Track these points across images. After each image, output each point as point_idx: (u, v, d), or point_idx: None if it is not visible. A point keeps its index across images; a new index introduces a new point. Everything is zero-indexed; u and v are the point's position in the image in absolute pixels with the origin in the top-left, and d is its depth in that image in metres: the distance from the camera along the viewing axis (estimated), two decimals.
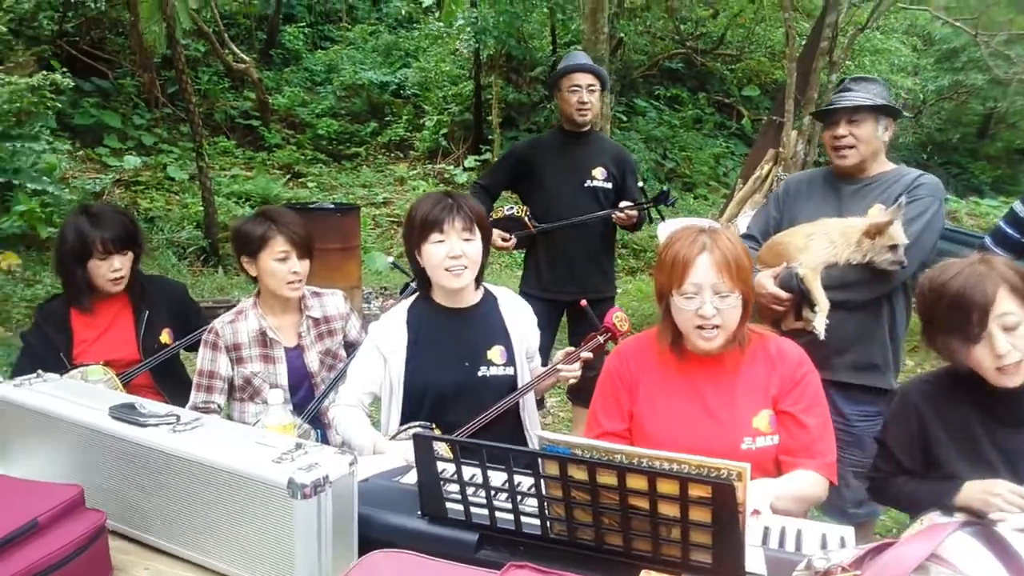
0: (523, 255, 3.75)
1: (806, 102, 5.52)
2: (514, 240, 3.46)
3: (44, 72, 7.70)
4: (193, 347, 2.55)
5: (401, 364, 2.10)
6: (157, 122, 10.39)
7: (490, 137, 11.20)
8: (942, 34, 12.77)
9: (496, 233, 3.42)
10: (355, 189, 10.34)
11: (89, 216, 2.43)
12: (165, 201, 8.88)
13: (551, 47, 11.96)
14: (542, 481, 1.27)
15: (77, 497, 1.37)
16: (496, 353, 2.13)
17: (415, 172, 11.14)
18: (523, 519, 1.32)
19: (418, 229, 2.06)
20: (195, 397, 2.31)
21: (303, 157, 10.93)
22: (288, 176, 10.31)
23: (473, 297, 2.18)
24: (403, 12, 13.67)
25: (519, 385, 2.15)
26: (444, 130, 11.66)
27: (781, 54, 12.51)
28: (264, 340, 2.34)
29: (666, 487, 1.17)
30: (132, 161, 9.31)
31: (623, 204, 3.43)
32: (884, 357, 2.47)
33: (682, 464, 1.17)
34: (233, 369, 2.32)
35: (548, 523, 1.31)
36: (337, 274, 5.55)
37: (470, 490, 1.36)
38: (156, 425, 1.45)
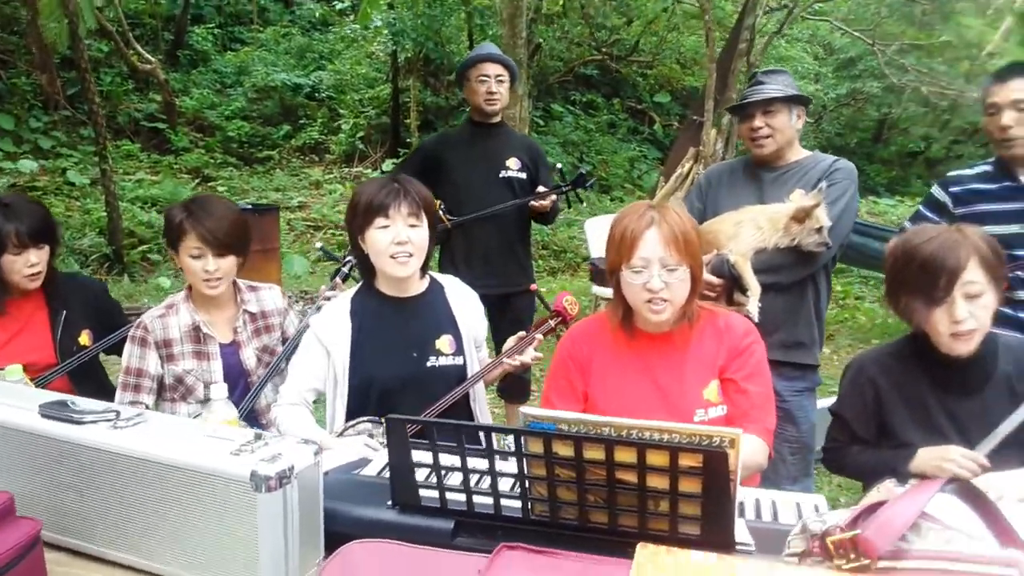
0: (438, 252, 3.67)
1: (725, 102, 5.67)
2: None
3: None
4: (114, 349, 2.38)
5: (345, 357, 2.01)
6: (55, 125, 9.82)
7: (408, 140, 11.08)
8: (841, 44, 13.40)
9: None
10: (268, 193, 10.02)
11: (2, 207, 2.22)
12: (65, 207, 8.39)
13: (469, 51, 11.93)
14: (524, 460, 1.21)
15: (6, 505, 1.23)
16: (444, 343, 2.07)
17: (331, 176, 10.91)
18: (502, 502, 1.27)
19: (362, 214, 1.97)
20: (120, 397, 2.14)
21: (212, 160, 10.53)
22: (197, 180, 9.91)
23: (419, 286, 2.11)
24: (316, 15, 13.39)
25: (468, 375, 2.09)
26: (361, 133, 11.47)
27: (692, 61, 12.90)
28: (197, 335, 2.19)
29: (656, 458, 1.14)
30: (28, 165, 8.76)
31: (540, 189, 3.39)
32: (810, 335, 2.55)
33: (673, 433, 1.14)
34: (163, 367, 2.16)
35: (529, 504, 1.26)
36: (256, 276, 5.23)
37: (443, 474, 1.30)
38: (94, 422, 1.33)
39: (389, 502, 1.34)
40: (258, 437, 1.26)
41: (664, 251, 1.73)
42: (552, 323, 2.13)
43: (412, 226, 1.97)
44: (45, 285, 2.32)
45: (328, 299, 2.23)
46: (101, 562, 1.33)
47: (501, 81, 3.37)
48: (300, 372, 2.02)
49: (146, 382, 2.13)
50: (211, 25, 12.69)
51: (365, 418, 1.94)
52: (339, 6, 13.19)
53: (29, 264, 2.23)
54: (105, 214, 7.83)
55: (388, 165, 10.85)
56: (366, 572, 1.07)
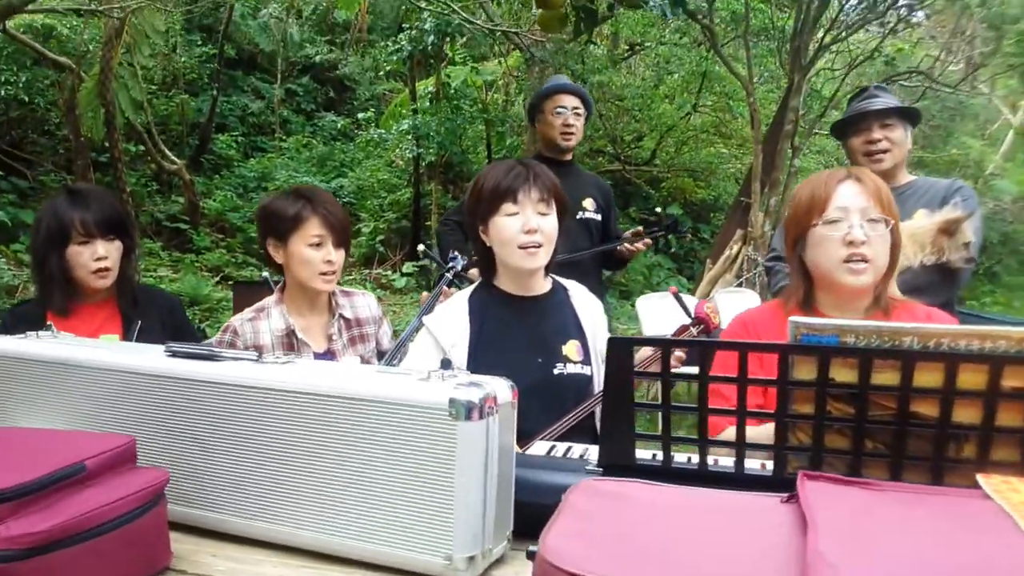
0: None
1: (772, 183, 5.62)
2: None
3: None
4: None
5: (463, 359, 1.77)
6: None
7: (429, 243, 11.07)
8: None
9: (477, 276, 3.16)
10: None
11: (70, 195, 2.03)
12: None
13: (487, 159, 12.17)
14: (787, 392, 0.97)
15: (129, 447, 0.98)
16: (572, 349, 1.83)
17: (351, 277, 10.84)
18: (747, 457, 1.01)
19: (487, 199, 1.78)
20: None
21: (233, 260, 10.49)
22: (218, 278, 9.82)
23: (544, 284, 1.89)
24: (338, 126, 13.76)
25: (595, 389, 1.84)
26: (381, 236, 11.50)
27: (706, 172, 13.13)
28: (290, 342, 1.96)
29: (970, 377, 0.91)
30: None
31: (628, 233, 3.19)
32: None
33: (997, 340, 0.91)
34: None
35: (783, 459, 1.00)
36: None
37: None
38: (235, 359, 1.09)
39: (590, 466, 1.08)
40: (445, 363, 1.02)
41: (866, 202, 1.54)
42: (694, 331, 1.89)
43: (542, 214, 1.78)
44: (120, 293, 2.09)
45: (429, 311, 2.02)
46: (222, 539, 1.06)
47: (578, 114, 3.18)
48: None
49: None
50: (235, 133, 12.99)
51: None
52: (361, 116, 13.56)
53: (96, 256, 2.00)
54: None
55: (408, 267, 10.82)
56: (633, 511, 0.81)
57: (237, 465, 1.04)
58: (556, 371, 1.79)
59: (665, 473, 1.03)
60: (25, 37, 8.37)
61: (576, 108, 3.18)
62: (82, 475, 0.89)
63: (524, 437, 1.69)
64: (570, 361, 1.81)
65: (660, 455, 1.04)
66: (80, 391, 1.13)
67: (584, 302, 1.93)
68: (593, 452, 1.30)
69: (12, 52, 8.99)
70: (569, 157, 3.24)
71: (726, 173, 13.43)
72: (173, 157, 10.70)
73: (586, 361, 1.84)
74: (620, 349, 1.01)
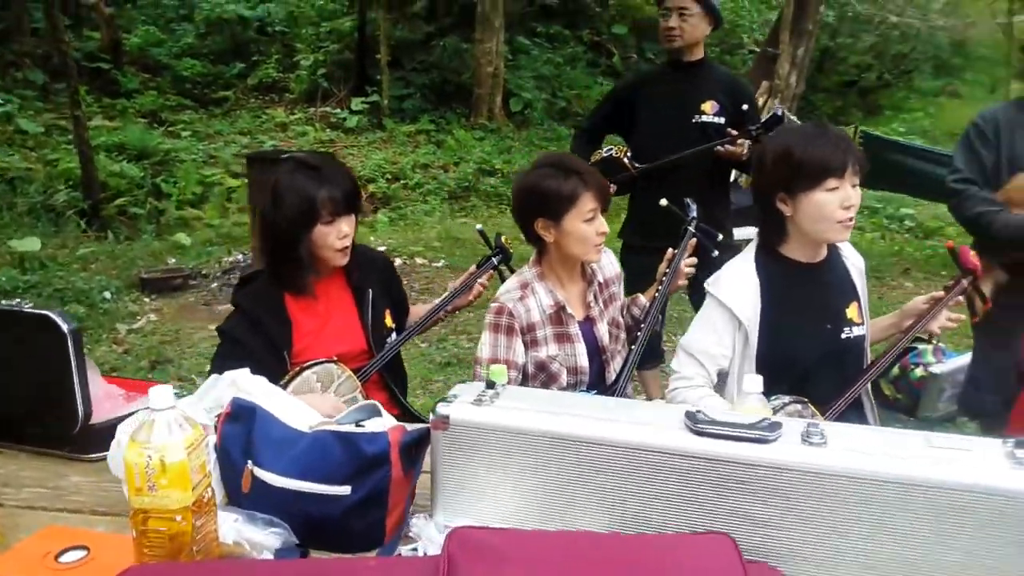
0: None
1: (800, 34, 5.51)
2: (614, 187, 3.16)
3: None
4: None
5: (755, 328, 1.81)
6: None
7: (378, 77, 10.45)
8: None
9: None
10: (235, 137, 9.33)
11: (308, 170, 1.86)
12: (23, 158, 7.51)
13: None
14: None
15: (736, 552, 1.02)
16: (854, 311, 1.88)
17: (296, 117, 10.22)
18: None
19: (809, 174, 1.72)
20: None
21: (167, 103, 9.70)
22: (156, 125, 9.09)
23: (824, 249, 1.90)
24: None
25: (867, 346, 1.92)
26: (323, 70, 10.76)
27: None
28: (559, 317, 1.94)
29: None
30: None
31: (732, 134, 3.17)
32: None
33: None
34: (527, 354, 1.91)
35: None
36: None
37: None
38: (774, 441, 1.11)
39: None
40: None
41: None
42: (965, 283, 1.93)
43: (854, 185, 1.76)
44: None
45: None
46: None
47: (685, 16, 3.03)
48: (705, 348, 1.79)
49: (513, 374, 1.88)
50: None
51: (789, 398, 1.72)
52: None
53: (342, 235, 1.88)
54: (76, 166, 7.09)
55: (357, 104, 10.24)
56: None
57: (799, 535, 1.09)
58: (844, 336, 1.84)
59: None
60: None
61: (683, 9, 3.03)
62: None
63: (821, 405, 1.77)
64: (854, 324, 1.86)
65: None
66: (574, 464, 1.13)
67: (854, 259, 1.96)
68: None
69: None
70: (695, 58, 3.14)
71: None
72: None
73: (863, 321, 1.90)
74: None
